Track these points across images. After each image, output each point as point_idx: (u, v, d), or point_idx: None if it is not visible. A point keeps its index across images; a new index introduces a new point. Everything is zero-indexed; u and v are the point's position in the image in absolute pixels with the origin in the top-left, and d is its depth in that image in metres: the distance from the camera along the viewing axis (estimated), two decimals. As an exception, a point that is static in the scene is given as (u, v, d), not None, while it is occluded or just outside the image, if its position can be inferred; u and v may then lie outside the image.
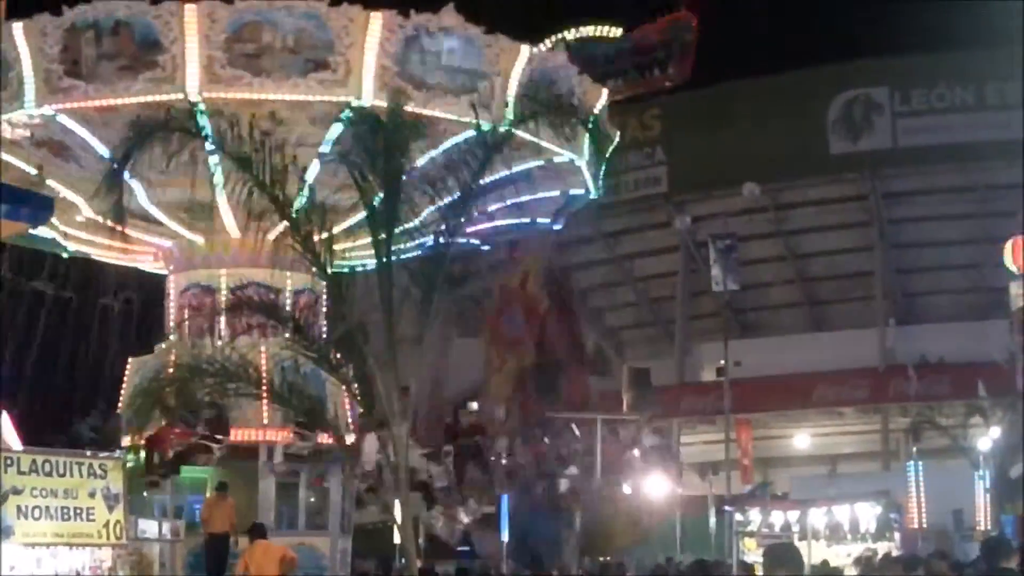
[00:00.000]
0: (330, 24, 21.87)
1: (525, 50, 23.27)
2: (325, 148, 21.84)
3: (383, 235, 15.39)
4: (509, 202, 22.99)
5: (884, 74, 45.13)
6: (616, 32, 43.41)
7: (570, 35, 43.12)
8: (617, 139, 28.09)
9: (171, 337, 25.72)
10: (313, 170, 21.21)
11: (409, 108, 20.76)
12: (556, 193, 26.98)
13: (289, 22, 21.88)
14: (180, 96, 21.36)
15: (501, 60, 22.87)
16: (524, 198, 25.29)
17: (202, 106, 21.39)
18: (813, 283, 48.45)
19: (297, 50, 21.84)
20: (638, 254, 49.74)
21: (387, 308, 15.15)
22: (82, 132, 22.59)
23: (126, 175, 20.19)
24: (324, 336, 17.01)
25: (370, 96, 21.61)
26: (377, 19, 21.96)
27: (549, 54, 24.67)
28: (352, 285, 17.41)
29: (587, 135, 21.65)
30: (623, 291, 51.12)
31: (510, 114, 21.57)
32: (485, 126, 17.26)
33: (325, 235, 15.22)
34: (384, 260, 15.42)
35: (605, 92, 26.18)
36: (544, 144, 22.10)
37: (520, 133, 18.72)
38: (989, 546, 12.29)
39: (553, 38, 42.21)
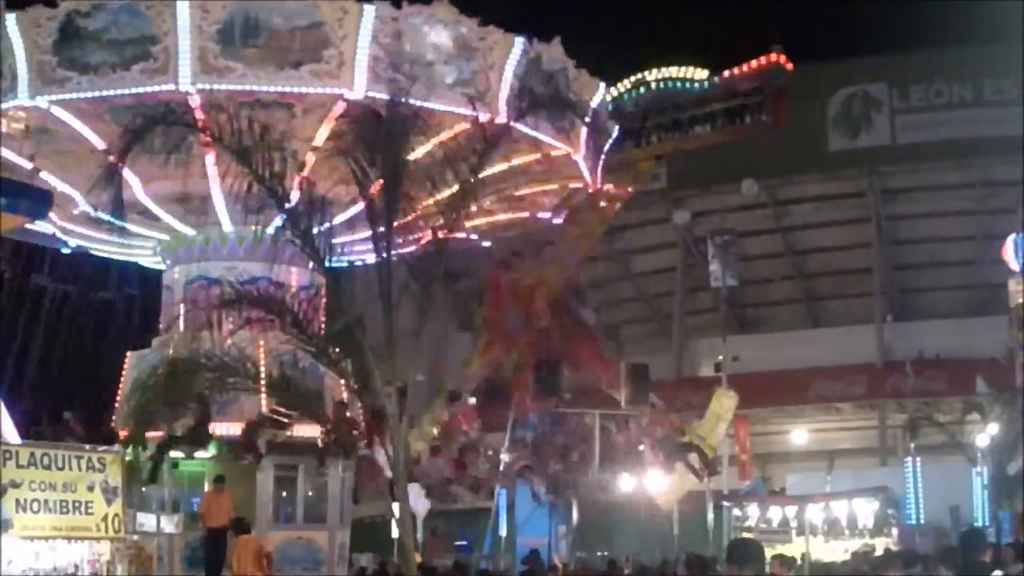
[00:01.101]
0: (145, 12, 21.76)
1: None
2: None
3: (382, 229, 15.41)
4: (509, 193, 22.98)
5: (883, 71, 45.13)
6: (702, 74, 40.94)
7: (652, 75, 40.96)
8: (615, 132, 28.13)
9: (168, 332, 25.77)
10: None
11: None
12: (555, 187, 26.97)
13: (105, 18, 21.83)
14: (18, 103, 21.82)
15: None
16: (523, 191, 25.25)
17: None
18: (811, 279, 48.46)
19: (120, 39, 21.80)
20: (637, 250, 49.74)
21: (386, 302, 15.16)
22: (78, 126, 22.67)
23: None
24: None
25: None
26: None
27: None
28: (351, 279, 17.40)
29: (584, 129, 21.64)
30: (622, 286, 51.11)
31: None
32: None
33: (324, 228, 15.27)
34: (383, 254, 15.44)
35: (602, 86, 26.08)
36: (542, 138, 22.03)
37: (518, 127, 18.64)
38: (965, 539, 12.36)
39: (634, 78, 40.66)
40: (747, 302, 47.71)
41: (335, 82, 21.58)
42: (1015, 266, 30.75)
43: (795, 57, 44.41)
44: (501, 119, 18.77)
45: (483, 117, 17.57)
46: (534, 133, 20.30)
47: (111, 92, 21.43)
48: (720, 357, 37.72)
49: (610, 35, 47.77)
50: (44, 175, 23.65)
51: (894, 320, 45.25)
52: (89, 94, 21.33)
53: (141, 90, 21.14)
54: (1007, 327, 30.79)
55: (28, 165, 23.34)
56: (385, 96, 17.96)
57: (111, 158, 16.08)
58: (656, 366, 44.43)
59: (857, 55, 45.36)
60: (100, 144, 21.69)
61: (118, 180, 15.61)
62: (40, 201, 12.64)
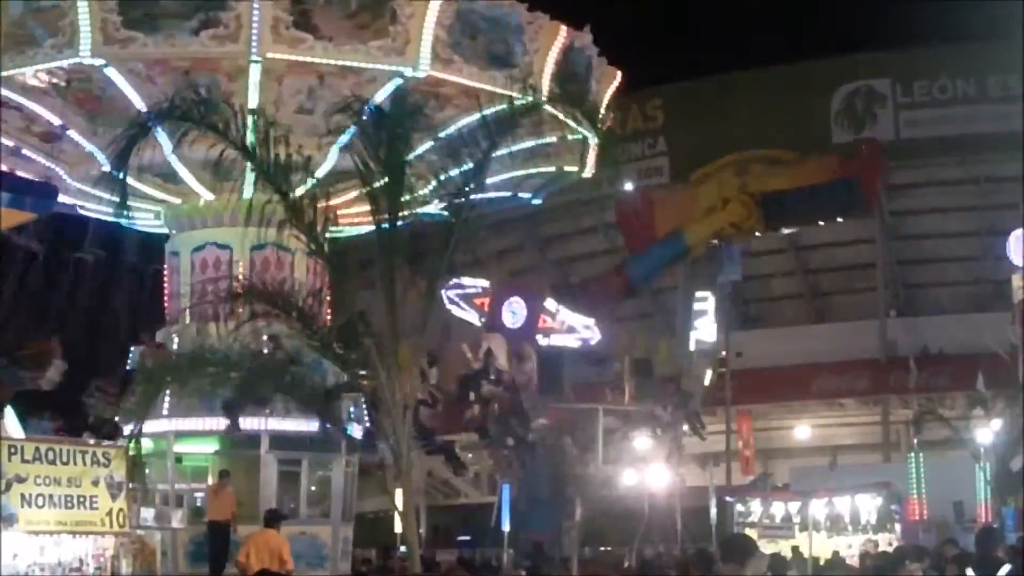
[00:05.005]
0: None
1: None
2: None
3: (386, 223, 15.39)
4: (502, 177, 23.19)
5: (886, 66, 45.09)
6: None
7: None
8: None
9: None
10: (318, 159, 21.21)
11: None
12: (551, 169, 27.18)
13: None
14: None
15: None
16: (520, 173, 25.38)
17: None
18: (814, 274, 48.39)
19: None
20: (640, 244, 49.62)
21: (389, 296, 15.12)
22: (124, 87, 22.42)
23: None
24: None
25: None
26: None
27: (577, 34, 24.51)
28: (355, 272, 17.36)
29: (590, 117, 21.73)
30: (624, 282, 51.01)
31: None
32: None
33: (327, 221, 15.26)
34: (387, 250, 15.40)
35: (619, 74, 26.25)
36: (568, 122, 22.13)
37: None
38: (985, 534, 12.54)
39: None
40: (750, 297, 47.67)
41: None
42: (1018, 262, 30.75)
43: (799, 52, 44.56)
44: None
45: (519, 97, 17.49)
46: (561, 116, 20.37)
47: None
48: (723, 352, 37.68)
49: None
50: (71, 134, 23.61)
51: (897, 315, 45.18)
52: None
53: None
54: (1010, 323, 30.77)
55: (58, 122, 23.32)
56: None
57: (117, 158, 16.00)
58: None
59: (861, 50, 45.33)
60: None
61: (123, 176, 15.62)
62: (45, 196, 12.62)
